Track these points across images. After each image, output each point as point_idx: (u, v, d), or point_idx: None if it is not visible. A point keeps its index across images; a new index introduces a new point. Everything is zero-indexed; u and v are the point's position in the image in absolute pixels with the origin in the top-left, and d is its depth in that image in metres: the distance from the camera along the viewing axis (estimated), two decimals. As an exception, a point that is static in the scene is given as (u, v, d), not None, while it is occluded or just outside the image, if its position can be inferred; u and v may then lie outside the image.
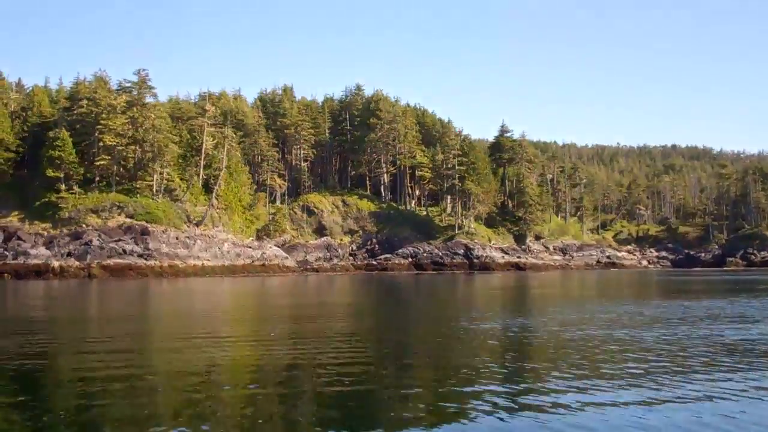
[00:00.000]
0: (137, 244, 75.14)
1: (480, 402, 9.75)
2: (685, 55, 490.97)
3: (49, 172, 78.90)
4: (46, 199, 78.95)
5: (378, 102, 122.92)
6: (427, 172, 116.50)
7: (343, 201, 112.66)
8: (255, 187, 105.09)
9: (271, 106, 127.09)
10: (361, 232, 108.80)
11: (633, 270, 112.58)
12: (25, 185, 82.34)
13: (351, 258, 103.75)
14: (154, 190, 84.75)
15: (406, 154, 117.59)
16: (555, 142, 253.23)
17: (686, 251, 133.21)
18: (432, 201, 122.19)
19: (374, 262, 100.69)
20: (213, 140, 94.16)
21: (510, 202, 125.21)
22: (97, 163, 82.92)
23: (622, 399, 9.86)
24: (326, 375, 12.00)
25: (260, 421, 8.97)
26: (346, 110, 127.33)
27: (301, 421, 9.06)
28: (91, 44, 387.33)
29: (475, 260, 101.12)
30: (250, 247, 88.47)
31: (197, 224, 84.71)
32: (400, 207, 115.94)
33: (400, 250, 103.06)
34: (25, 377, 12.17)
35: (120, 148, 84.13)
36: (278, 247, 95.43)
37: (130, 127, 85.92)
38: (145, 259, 73.93)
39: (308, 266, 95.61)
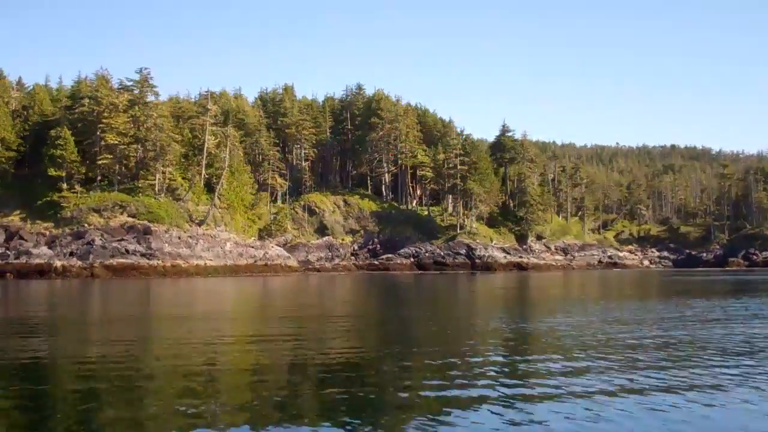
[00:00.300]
0: (140, 244, 74.79)
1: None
2: (684, 55, 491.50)
3: (51, 171, 78.59)
4: (48, 198, 78.57)
5: (379, 101, 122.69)
6: (428, 171, 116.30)
7: (345, 201, 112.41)
8: (257, 186, 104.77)
9: (272, 105, 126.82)
10: (362, 231, 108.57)
11: (635, 270, 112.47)
12: (27, 184, 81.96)
13: (353, 258, 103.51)
14: (157, 189, 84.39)
15: (407, 153, 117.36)
16: (554, 142, 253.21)
17: (688, 251, 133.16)
18: (433, 201, 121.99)
19: (376, 262, 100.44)
20: (215, 139, 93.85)
21: (511, 201, 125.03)
22: (99, 162, 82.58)
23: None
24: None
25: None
26: (346, 110, 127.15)
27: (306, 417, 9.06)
28: (91, 44, 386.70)
29: (477, 260, 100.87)
30: (252, 247, 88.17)
31: (199, 224, 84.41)
32: (401, 207, 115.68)
33: (401, 250, 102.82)
34: (26, 378, 12.06)
35: (122, 146, 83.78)
36: (280, 246, 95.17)
37: (132, 125, 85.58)
38: (148, 258, 73.59)
39: (310, 266, 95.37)
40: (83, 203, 78.72)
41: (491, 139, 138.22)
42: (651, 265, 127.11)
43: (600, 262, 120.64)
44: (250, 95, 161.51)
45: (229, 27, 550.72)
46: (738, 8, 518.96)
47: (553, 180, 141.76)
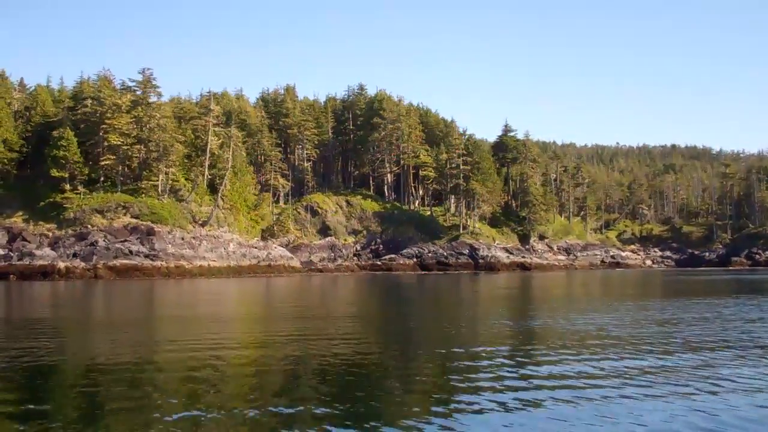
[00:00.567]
0: (143, 245, 74.54)
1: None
2: (684, 55, 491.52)
3: (54, 172, 78.33)
4: (51, 200, 78.35)
5: (381, 101, 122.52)
6: (430, 171, 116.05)
7: (347, 201, 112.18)
8: (259, 187, 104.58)
9: (274, 106, 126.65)
10: (365, 232, 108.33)
11: (638, 270, 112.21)
12: (29, 185, 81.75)
13: (355, 258, 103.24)
14: (160, 190, 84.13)
15: (409, 153, 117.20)
16: (554, 141, 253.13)
17: (690, 251, 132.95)
18: (435, 201, 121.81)
19: (379, 263, 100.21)
20: (218, 140, 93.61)
21: (514, 202, 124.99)
22: (102, 163, 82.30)
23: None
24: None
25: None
26: (348, 110, 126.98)
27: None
28: (91, 45, 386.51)
29: (481, 260, 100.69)
30: (255, 248, 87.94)
31: (203, 224, 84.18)
32: (403, 207, 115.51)
33: (404, 251, 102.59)
34: (30, 379, 12.05)
35: (125, 147, 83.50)
36: (282, 247, 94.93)
37: (135, 126, 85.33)
38: (151, 259, 73.34)
39: (312, 267, 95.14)
40: (86, 204, 78.46)
41: (491, 139, 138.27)
42: (653, 265, 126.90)
43: (603, 262, 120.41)
44: (252, 96, 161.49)
45: (229, 27, 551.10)
46: (738, 8, 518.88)
47: (555, 180, 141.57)
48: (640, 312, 24.77)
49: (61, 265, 69.33)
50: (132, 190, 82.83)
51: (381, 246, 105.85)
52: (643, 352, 14.47)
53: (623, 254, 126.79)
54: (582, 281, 64.00)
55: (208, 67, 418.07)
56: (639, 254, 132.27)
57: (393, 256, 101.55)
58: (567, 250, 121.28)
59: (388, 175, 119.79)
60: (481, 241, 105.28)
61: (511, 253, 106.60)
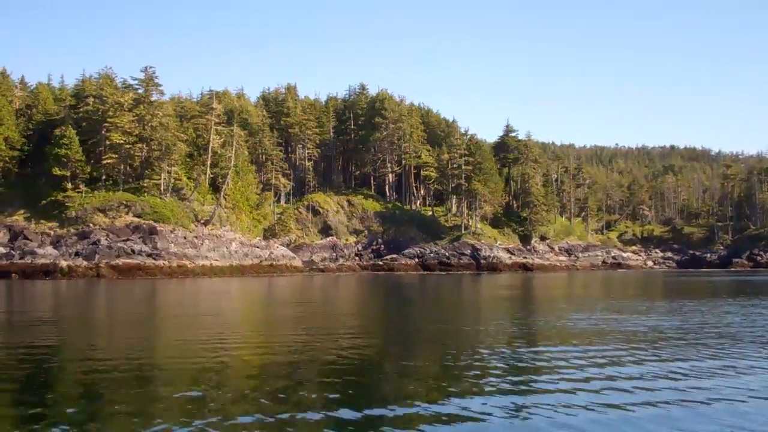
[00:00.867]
0: (145, 244, 74.15)
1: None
2: (683, 55, 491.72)
3: (56, 171, 77.97)
4: (53, 198, 78.00)
5: (383, 101, 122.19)
6: (432, 171, 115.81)
7: (348, 201, 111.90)
8: (261, 186, 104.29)
9: (275, 105, 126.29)
10: (366, 232, 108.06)
11: (640, 271, 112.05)
12: (30, 184, 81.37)
13: (357, 258, 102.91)
14: (162, 189, 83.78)
15: (411, 153, 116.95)
16: (553, 142, 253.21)
17: (691, 252, 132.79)
18: (437, 201, 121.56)
19: (380, 263, 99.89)
20: (220, 138, 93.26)
21: (515, 202, 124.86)
22: (104, 162, 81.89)
23: None
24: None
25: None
26: (350, 109, 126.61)
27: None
28: (91, 44, 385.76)
29: (483, 261, 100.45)
30: (257, 247, 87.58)
31: (205, 224, 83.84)
32: (405, 207, 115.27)
33: (406, 251, 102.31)
34: (33, 377, 12.07)
35: (127, 146, 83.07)
36: (284, 247, 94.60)
37: (137, 125, 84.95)
38: (154, 258, 72.95)
39: (314, 266, 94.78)
40: (88, 203, 78.09)
41: (491, 139, 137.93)
42: (655, 266, 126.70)
43: (604, 262, 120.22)
44: (252, 95, 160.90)
45: (229, 27, 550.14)
46: (738, 8, 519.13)
47: (556, 180, 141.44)
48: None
49: (64, 263, 68.88)
50: (134, 189, 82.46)
51: (382, 246, 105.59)
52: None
53: (624, 255, 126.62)
54: (588, 282, 63.84)
55: (209, 66, 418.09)
56: (640, 255, 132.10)
57: (395, 256, 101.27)
58: (568, 251, 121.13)
59: (390, 174, 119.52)
60: (483, 241, 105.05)
61: (512, 254, 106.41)
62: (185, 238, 78.21)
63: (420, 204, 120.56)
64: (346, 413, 9.06)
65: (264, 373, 12.22)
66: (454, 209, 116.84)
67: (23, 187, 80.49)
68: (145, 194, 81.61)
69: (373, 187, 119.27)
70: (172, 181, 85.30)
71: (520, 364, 12.88)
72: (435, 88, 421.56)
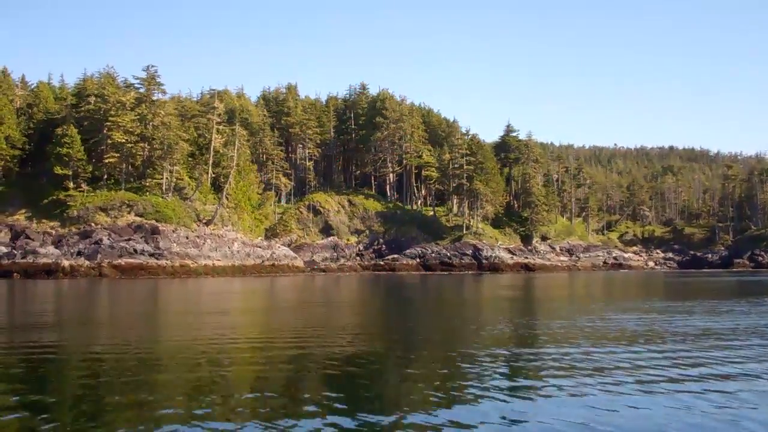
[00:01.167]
0: (147, 243, 73.85)
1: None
2: (681, 55, 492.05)
3: (57, 170, 77.56)
4: (54, 197, 77.60)
5: (384, 101, 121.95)
6: (433, 171, 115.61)
7: (349, 201, 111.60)
8: (263, 186, 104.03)
9: (275, 104, 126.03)
10: (367, 232, 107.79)
11: (641, 271, 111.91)
12: (31, 183, 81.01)
13: (358, 258, 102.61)
14: (164, 188, 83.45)
15: (412, 153, 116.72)
16: (551, 143, 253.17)
17: (692, 252, 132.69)
18: (438, 201, 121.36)
19: (382, 263, 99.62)
20: (221, 138, 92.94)
21: (516, 202, 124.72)
22: (106, 161, 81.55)
23: None
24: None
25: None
26: (350, 109, 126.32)
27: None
28: (91, 44, 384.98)
29: (485, 261, 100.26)
30: (259, 247, 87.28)
31: (207, 223, 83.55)
32: (406, 207, 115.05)
33: (407, 251, 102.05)
34: (35, 374, 12.23)
35: (129, 145, 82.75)
36: (285, 247, 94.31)
37: (139, 124, 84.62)
38: (156, 258, 72.65)
39: (315, 266, 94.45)
40: (90, 202, 77.74)
41: (490, 139, 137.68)
42: (656, 267, 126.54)
43: (605, 263, 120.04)
44: (253, 95, 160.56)
45: (229, 27, 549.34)
46: (737, 8, 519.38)
47: (557, 180, 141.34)
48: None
49: (66, 263, 68.56)
50: (136, 188, 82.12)
51: (383, 246, 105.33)
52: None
53: (626, 255, 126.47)
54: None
55: (209, 66, 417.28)
56: (641, 256, 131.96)
57: (396, 256, 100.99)
58: (569, 251, 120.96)
59: (391, 174, 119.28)
60: (484, 241, 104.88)
61: (514, 254, 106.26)
62: (187, 237, 77.91)
63: (421, 204, 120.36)
64: (346, 413, 9.02)
65: (265, 373, 12.21)
66: (455, 209, 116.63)
67: (24, 187, 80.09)
68: (147, 194, 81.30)
69: (373, 187, 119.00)
70: (174, 180, 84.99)
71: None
72: (435, 88, 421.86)
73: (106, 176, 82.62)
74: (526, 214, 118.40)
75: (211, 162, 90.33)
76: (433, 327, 20.23)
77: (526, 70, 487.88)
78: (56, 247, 71.77)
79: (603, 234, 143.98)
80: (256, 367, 12.98)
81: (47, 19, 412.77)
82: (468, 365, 12.55)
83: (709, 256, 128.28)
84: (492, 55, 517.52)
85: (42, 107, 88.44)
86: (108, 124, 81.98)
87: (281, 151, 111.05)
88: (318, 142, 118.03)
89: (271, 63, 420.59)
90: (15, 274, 66.23)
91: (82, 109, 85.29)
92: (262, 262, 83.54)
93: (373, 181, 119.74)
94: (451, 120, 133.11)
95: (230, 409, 9.13)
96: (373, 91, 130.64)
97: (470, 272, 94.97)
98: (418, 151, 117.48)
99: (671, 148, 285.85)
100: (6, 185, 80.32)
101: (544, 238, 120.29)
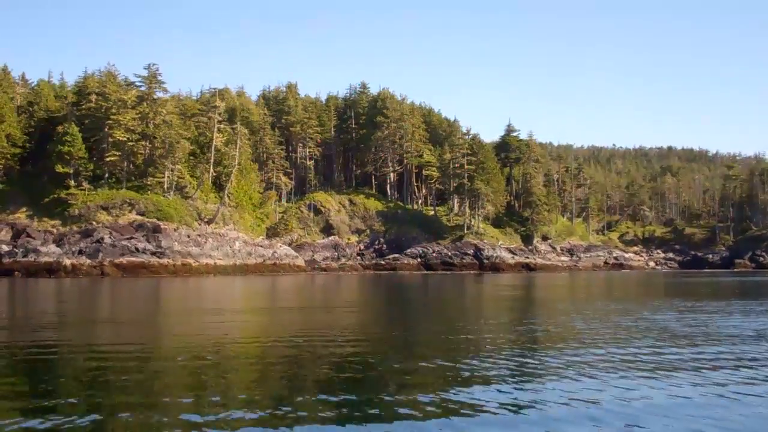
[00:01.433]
0: (149, 242, 73.60)
1: None
2: (681, 54, 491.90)
3: (59, 168, 77.20)
4: (55, 196, 77.25)
5: (385, 100, 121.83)
6: (434, 171, 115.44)
7: (350, 200, 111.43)
8: (264, 185, 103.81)
9: (275, 103, 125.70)
10: (368, 231, 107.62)
11: (642, 271, 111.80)
12: (32, 181, 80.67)
13: (359, 257, 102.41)
14: (165, 187, 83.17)
15: (412, 152, 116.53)
16: (550, 143, 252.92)
17: (693, 253, 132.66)
18: (438, 200, 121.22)
19: (383, 262, 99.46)
20: (222, 137, 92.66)
21: (516, 202, 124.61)
22: (107, 159, 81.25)
23: None
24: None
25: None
26: (350, 108, 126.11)
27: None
28: (90, 42, 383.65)
29: (486, 261, 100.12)
30: (261, 246, 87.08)
31: (208, 222, 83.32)
32: (407, 206, 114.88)
33: (408, 250, 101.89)
34: (37, 371, 12.22)
35: (130, 143, 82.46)
36: (286, 246, 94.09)
37: (140, 122, 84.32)
38: (158, 257, 72.40)
39: (316, 266, 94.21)
40: (91, 201, 77.40)
41: (488, 139, 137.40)
42: (657, 267, 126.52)
43: (606, 263, 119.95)
44: (253, 93, 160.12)
45: (228, 26, 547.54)
46: (737, 8, 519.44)
47: (557, 180, 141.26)
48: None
49: (67, 262, 68.28)
50: (137, 187, 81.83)
51: (384, 245, 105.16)
52: None
53: (626, 256, 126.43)
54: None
55: (208, 64, 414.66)
56: (642, 256, 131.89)
57: (397, 255, 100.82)
58: (570, 251, 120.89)
59: (391, 174, 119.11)
60: (485, 241, 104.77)
61: (515, 254, 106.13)
62: (189, 236, 77.67)
63: (421, 203, 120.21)
64: (346, 412, 8.95)
65: (266, 373, 12.18)
66: (455, 209, 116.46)
67: (25, 185, 79.78)
68: (149, 192, 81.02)
69: (374, 187, 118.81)
70: (176, 179, 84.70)
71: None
72: (435, 87, 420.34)
73: (107, 175, 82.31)
74: (526, 214, 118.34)
75: (212, 161, 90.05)
76: (440, 327, 20.01)
77: (526, 69, 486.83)
78: (58, 246, 71.48)
79: (603, 234, 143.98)
80: (258, 366, 12.93)
81: (46, 19, 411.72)
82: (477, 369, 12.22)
83: (710, 256, 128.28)
84: (491, 56, 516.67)
85: (43, 105, 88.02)
86: (109, 122, 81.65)
87: (281, 150, 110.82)
88: (318, 141, 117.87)
89: (271, 62, 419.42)
90: (16, 272, 65.95)
91: (83, 107, 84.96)
92: (264, 261, 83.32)
93: (373, 181, 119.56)
94: (452, 119, 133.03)
95: (231, 409, 9.00)
96: (373, 90, 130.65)
97: (472, 272, 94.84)
98: (419, 151, 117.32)
99: (670, 148, 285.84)
100: (7, 183, 79.99)
101: (544, 238, 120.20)
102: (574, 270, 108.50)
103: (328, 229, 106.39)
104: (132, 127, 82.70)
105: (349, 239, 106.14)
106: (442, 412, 8.69)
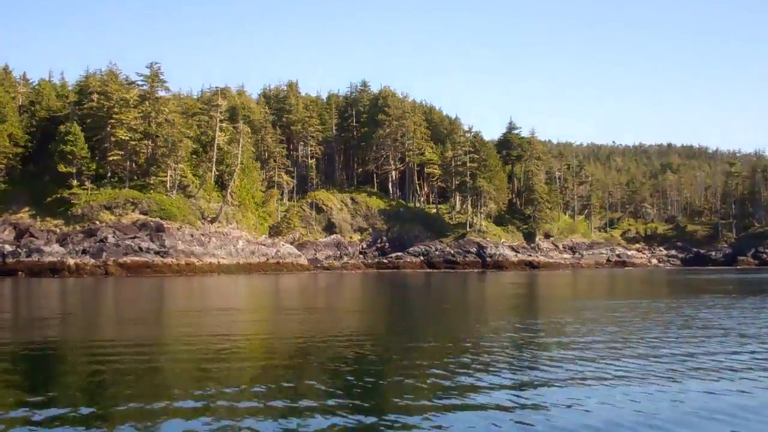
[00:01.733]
0: (153, 242, 73.39)
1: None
2: (680, 53, 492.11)
3: (61, 167, 76.94)
4: (58, 195, 77.03)
5: (386, 98, 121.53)
6: (435, 169, 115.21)
7: (352, 198, 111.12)
8: (266, 183, 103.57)
9: (276, 102, 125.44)
10: (370, 229, 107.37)
11: (645, 269, 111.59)
12: (34, 181, 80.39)
13: (361, 256, 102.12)
14: (168, 186, 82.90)
15: (414, 150, 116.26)
16: (550, 141, 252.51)
17: (696, 250, 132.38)
18: (440, 198, 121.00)
19: (385, 261, 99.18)
20: (225, 135, 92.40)
21: (518, 200, 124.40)
22: (110, 158, 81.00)
23: None
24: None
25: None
26: (352, 107, 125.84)
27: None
28: (90, 42, 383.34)
29: (489, 259, 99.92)
30: (264, 245, 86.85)
31: (211, 221, 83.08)
32: (409, 204, 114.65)
33: (411, 249, 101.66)
34: (40, 369, 12.46)
35: (132, 142, 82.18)
36: (288, 244, 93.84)
37: (143, 121, 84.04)
38: (162, 256, 72.19)
39: (319, 264, 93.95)
40: (94, 200, 77.16)
41: (489, 137, 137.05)
42: (660, 264, 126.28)
43: (608, 260, 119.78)
44: (253, 92, 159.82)
45: (229, 24, 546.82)
46: (737, 8, 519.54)
47: (559, 178, 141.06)
48: None
49: (71, 261, 68.06)
50: (140, 186, 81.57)
51: (387, 244, 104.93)
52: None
53: (629, 253, 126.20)
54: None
55: (208, 63, 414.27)
56: (644, 253, 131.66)
57: (399, 254, 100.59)
58: (572, 249, 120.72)
59: (393, 172, 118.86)
60: (488, 239, 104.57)
61: (517, 252, 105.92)
62: (192, 235, 77.47)
63: (423, 201, 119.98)
64: (347, 413, 8.94)
65: (267, 373, 12.26)
66: (458, 207, 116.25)
67: (28, 185, 79.51)
68: (152, 191, 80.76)
69: (375, 185, 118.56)
70: (178, 178, 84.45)
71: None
72: (436, 86, 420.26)
73: (109, 174, 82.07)
74: (529, 212, 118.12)
75: (215, 159, 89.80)
76: (446, 326, 19.92)
77: (526, 69, 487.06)
78: (61, 246, 71.25)
79: (605, 232, 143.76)
80: (260, 363, 13.09)
81: (47, 18, 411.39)
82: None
83: (713, 253, 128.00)
84: (492, 55, 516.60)
85: (44, 105, 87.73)
86: (111, 121, 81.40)
87: (283, 148, 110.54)
88: (320, 139, 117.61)
89: (271, 61, 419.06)
90: (20, 272, 65.70)
91: (85, 106, 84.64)
92: (267, 260, 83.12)
93: (375, 179, 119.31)
94: (454, 117, 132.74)
95: (231, 409, 9.02)
96: (374, 88, 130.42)
97: (475, 270, 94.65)
98: (421, 149, 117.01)
99: (669, 145, 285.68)
100: (9, 183, 79.71)
101: (547, 236, 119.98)
102: (576, 268, 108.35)
103: (330, 228, 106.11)
104: (134, 126, 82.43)
105: (351, 238, 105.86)
106: (442, 413, 8.71)
